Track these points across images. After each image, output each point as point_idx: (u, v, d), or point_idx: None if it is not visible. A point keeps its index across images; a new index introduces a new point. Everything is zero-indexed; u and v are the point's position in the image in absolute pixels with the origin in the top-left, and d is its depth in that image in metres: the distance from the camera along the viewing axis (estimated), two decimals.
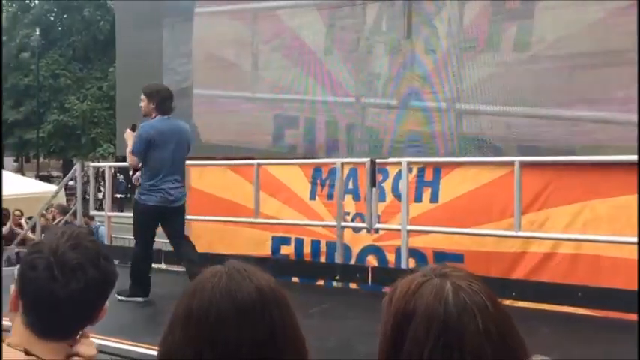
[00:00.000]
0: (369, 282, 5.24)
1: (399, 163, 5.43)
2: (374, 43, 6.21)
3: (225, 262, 1.17)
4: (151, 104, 5.15)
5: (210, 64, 7.33)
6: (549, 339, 3.92)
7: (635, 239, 4.19)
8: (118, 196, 24.79)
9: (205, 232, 6.83)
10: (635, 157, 4.27)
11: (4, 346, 1.29)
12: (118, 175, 24.28)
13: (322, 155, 6.48)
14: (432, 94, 5.80)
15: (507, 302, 4.40)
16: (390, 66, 6.09)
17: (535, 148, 5.24)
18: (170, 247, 5.50)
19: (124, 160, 5.85)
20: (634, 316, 3.82)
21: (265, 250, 6.50)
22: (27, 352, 1.26)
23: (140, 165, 5.18)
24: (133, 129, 5.24)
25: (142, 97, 5.22)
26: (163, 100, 5.20)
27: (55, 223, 7.72)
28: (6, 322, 1.42)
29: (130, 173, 5.73)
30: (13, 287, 1.30)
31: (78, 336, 1.34)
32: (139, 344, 3.78)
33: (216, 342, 1.07)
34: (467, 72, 5.57)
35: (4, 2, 29.74)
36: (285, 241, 6.49)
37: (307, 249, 6.33)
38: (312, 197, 6.37)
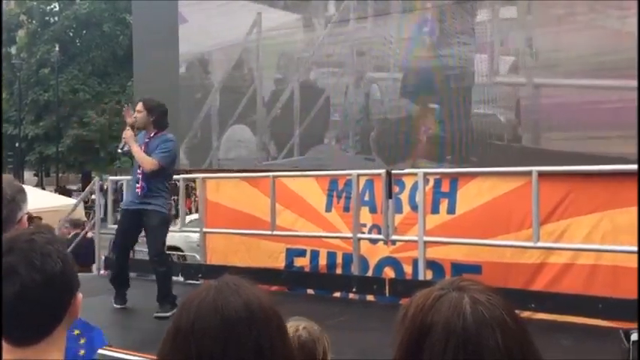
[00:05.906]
0: (387, 294, 5.21)
1: (415, 174, 5.41)
2: None
3: (219, 277, 1.15)
4: (150, 117, 4.96)
5: None
6: (569, 351, 3.86)
7: None
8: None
9: (221, 245, 6.84)
10: None
11: None
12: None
13: None
14: None
15: (526, 314, 4.35)
16: None
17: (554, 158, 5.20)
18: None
19: None
20: None
21: (279, 263, 6.49)
22: None
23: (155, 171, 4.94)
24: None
25: (141, 108, 4.98)
26: (163, 115, 5.01)
27: (69, 236, 7.75)
28: None
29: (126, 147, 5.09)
30: None
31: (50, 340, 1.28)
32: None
33: (202, 356, 1.06)
34: None
35: (24, 18, 30.24)
36: (301, 253, 6.46)
37: (323, 261, 6.29)
38: (328, 209, 6.35)
